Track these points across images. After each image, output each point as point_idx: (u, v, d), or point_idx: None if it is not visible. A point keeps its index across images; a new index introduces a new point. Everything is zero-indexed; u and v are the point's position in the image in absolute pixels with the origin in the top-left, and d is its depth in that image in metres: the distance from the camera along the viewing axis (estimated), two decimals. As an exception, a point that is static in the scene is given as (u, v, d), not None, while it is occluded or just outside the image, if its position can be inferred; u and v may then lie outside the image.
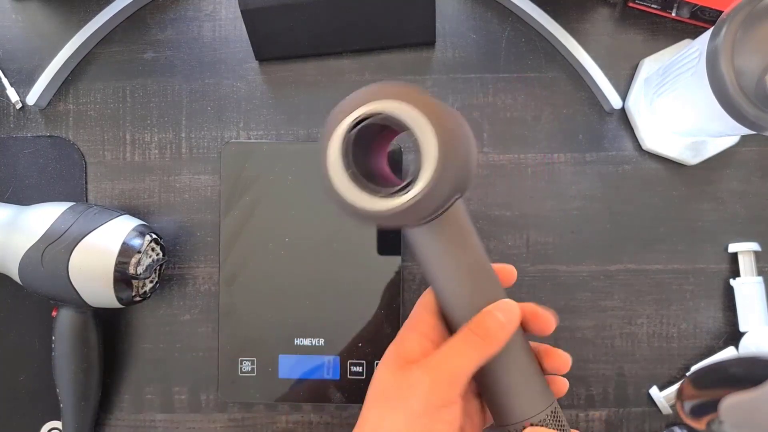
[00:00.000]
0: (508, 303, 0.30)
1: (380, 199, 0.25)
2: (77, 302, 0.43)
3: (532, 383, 0.31)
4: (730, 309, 0.47)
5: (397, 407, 0.28)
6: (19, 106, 0.49)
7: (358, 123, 0.25)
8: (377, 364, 0.46)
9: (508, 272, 0.33)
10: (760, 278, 0.46)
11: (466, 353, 0.29)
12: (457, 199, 0.28)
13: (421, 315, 0.32)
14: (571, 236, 0.48)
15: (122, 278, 0.42)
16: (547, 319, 0.32)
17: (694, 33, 0.47)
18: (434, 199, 0.26)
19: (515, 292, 0.32)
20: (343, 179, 0.26)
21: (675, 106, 0.43)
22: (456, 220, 0.29)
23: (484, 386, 0.31)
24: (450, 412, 0.29)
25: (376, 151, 0.28)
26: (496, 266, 0.32)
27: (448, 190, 0.26)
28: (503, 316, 0.29)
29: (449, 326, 0.32)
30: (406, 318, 0.32)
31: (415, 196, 0.25)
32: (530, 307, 0.32)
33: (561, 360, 0.32)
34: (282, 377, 0.46)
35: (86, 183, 0.49)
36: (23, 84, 0.49)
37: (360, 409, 0.31)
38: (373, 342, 0.46)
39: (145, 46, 0.49)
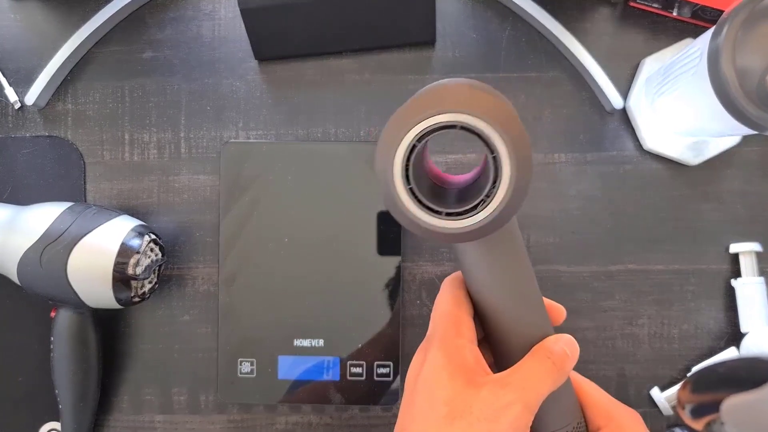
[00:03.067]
0: (571, 338, 0.30)
1: (446, 220, 0.24)
2: (76, 303, 0.43)
3: (572, 395, 0.31)
4: (732, 309, 0.47)
5: (481, 425, 0.27)
6: (17, 106, 0.49)
7: (424, 135, 0.23)
8: (377, 365, 0.46)
9: (556, 311, 0.34)
10: (762, 279, 0.46)
11: (545, 380, 0.29)
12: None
13: (463, 319, 0.30)
14: (572, 236, 0.48)
15: (121, 279, 0.42)
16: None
17: (695, 32, 0.47)
18: (504, 219, 0.24)
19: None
20: (404, 195, 0.24)
21: (676, 106, 0.43)
22: (511, 231, 0.28)
23: None
24: None
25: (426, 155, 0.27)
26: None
27: (518, 207, 0.24)
28: (569, 350, 0.30)
29: (488, 333, 0.31)
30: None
31: (487, 217, 0.24)
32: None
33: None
34: (281, 378, 0.46)
35: (85, 183, 0.49)
36: (22, 84, 0.49)
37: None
38: (373, 343, 0.46)
39: (144, 45, 0.49)
